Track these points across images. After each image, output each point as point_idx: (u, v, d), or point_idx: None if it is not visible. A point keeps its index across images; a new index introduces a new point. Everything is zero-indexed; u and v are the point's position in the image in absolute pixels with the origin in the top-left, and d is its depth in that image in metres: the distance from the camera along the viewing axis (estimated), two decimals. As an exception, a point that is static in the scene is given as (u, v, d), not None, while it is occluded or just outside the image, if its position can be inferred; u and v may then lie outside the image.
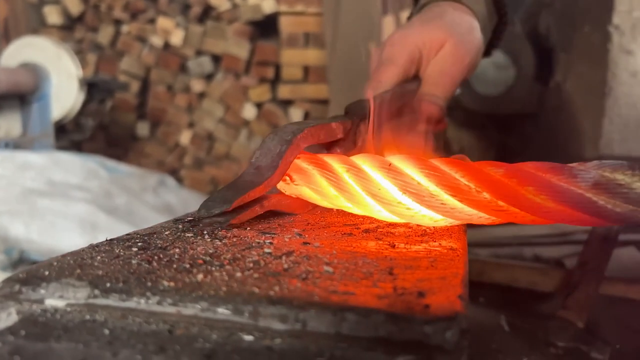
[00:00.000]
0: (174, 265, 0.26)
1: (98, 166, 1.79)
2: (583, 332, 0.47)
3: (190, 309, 0.22)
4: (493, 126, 1.21)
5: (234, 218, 0.33)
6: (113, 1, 2.49)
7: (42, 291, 0.24)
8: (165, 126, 2.56)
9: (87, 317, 0.23)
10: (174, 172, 2.51)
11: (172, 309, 0.23)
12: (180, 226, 0.33)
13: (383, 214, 0.36)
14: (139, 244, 0.29)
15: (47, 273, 0.25)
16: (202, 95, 2.47)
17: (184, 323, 0.22)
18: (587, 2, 1.02)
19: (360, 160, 0.37)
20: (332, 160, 0.37)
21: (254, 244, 0.30)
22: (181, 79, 2.48)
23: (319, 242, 0.31)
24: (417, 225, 0.36)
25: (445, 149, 0.63)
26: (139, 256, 0.27)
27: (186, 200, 1.91)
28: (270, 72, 2.35)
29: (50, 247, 1.27)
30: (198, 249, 0.29)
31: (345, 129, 0.42)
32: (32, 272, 0.25)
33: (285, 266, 0.26)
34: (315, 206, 0.40)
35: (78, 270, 0.25)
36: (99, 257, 0.27)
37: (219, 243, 0.30)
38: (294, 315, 0.22)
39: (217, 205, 0.32)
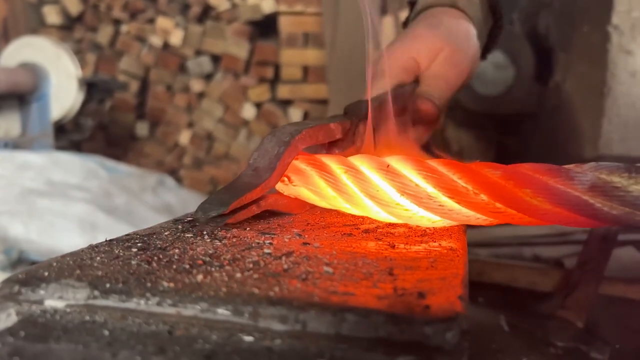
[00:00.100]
0: (174, 266, 0.26)
1: (97, 166, 1.79)
2: (582, 332, 0.47)
3: (190, 310, 0.22)
4: (492, 126, 1.21)
5: (230, 217, 0.33)
6: (112, 1, 2.49)
7: (42, 292, 0.24)
8: (165, 126, 2.55)
9: (87, 318, 0.23)
10: (173, 172, 2.51)
11: (171, 310, 0.23)
12: (180, 226, 0.33)
13: (381, 215, 0.36)
14: (139, 244, 0.29)
15: (46, 274, 0.24)
16: (201, 95, 2.47)
17: (183, 324, 0.22)
18: (587, 2, 1.02)
19: (358, 161, 0.37)
20: (331, 162, 0.37)
21: (253, 245, 0.30)
22: (180, 79, 2.48)
23: (319, 242, 0.31)
24: (417, 225, 0.36)
25: (444, 148, 0.63)
26: (138, 257, 0.27)
27: (185, 200, 1.91)
28: (269, 72, 2.35)
29: (49, 247, 1.27)
30: (198, 249, 0.29)
31: (344, 130, 0.42)
32: (32, 272, 0.25)
33: (285, 267, 0.26)
34: (314, 206, 0.40)
35: (78, 271, 0.25)
36: (98, 258, 0.27)
37: (219, 243, 0.30)
38: (293, 316, 0.22)
39: (214, 208, 0.32)
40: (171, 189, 1.97)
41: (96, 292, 0.23)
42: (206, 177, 2.52)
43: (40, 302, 0.24)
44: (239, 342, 0.21)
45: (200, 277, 0.25)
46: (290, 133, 0.36)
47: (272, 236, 0.32)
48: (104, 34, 2.54)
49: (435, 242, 0.32)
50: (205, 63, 2.42)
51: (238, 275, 0.25)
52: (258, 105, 2.39)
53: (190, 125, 2.51)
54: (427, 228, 0.36)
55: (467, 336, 0.20)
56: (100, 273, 0.25)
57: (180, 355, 0.20)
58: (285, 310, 0.22)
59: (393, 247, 0.31)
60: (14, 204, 1.38)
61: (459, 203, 0.33)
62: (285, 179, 0.37)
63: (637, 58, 0.94)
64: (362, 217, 0.38)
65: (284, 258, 0.28)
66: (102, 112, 2.57)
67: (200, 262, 0.27)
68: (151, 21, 2.48)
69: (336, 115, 0.43)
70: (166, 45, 2.46)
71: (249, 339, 0.22)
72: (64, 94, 2.06)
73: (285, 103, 2.38)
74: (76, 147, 2.40)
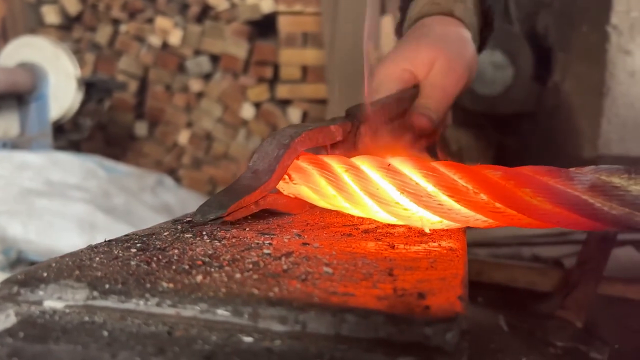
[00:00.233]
0: (173, 267, 0.26)
1: (96, 166, 1.79)
2: (582, 332, 0.47)
3: (190, 311, 0.22)
4: (491, 126, 1.21)
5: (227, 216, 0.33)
6: (111, 1, 2.49)
7: (41, 293, 0.24)
8: (164, 126, 2.55)
9: (86, 318, 0.23)
10: (172, 172, 2.51)
11: (171, 311, 0.23)
12: (179, 227, 0.33)
13: (380, 215, 0.36)
14: (138, 244, 0.29)
15: (45, 274, 0.24)
16: (200, 95, 2.47)
17: (183, 324, 0.22)
18: (586, 2, 1.02)
19: (359, 160, 0.37)
20: (332, 161, 0.37)
21: (253, 245, 0.30)
22: (179, 79, 2.48)
23: (319, 242, 0.31)
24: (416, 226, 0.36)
25: (443, 148, 0.63)
26: (137, 257, 0.27)
27: (184, 200, 1.91)
28: (268, 72, 2.35)
29: (48, 247, 1.27)
30: (197, 250, 0.29)
31: (344, 132, 0.42)
32: (31, 273, 0.25)
33: (285, 267, 0.26)
34: (313, 206, 0.40)
35: (77, 272, 0.25)
36: (97, 258, 0.27)
37: (218, 244, 0.30)
38: (293, 316, 0.22)
39: (212, 210, 0.32)
40: (170, 189, 1.97)
41: (95, 293, 0.23)
42: (205, 177, 2.52)
43: (39, 302, 0.24)
44: (238, 343, 0.21)
45: (199, 277, 0.24)
46: (290, 136, 0.36)
47: (272, 236, 0.32)
48: (102, 34, 2.54)
49: (434, 242, 0.32)
50: (204, 63, 2.42)
51: (237, 275, 0.25)
52: (257, 105, 2.39)
53: (189, 125, 2.51)
54: (426, 228, 0.36)
55: (467, 336, 0.20)
56: (99, 274, 0.25)
57: (179, 356, 0.20)
58: (284, 310, 0.22)
59: (393, 247, 0.31)
60: (12, 204, 1.38)
61: (458, 202, 0.33)
62: (286, 177, 0.38)
63: (636, 58, 0.94)
64: (362, 218, 0.38)
65: (283, 258, 0.28)
66: (101, 112, 2.56)
67: (199, 262, 0.27)
68: (150, 21, 2.48)
69: (337, 118, 0.44)
70: (165, 45, 2.46)
71: (248, 339, 0.22)
72: (62, 93, 2.06)
73: (284, 103, 2.38)
74: (75, 147, 2.40)
